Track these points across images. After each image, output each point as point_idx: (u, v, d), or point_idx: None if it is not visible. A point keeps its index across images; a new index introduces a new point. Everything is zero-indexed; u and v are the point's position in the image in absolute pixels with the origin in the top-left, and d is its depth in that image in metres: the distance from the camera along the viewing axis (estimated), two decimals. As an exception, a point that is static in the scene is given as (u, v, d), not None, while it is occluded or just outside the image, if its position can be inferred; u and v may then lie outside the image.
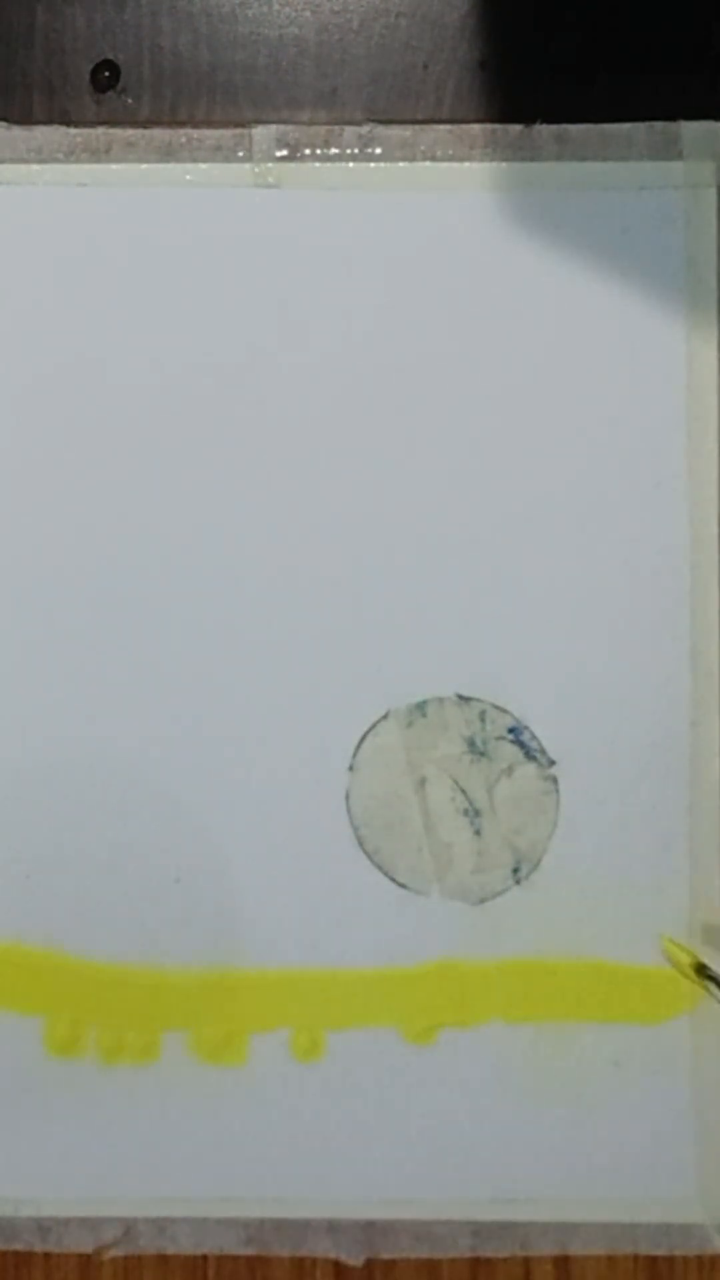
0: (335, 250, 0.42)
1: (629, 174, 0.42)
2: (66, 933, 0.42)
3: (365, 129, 0.42)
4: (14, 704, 0.42)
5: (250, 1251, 0.42)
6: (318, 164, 0.42)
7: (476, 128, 0.42)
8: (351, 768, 0.42)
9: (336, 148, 0.42)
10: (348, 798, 0.42)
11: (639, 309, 0.42)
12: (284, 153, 0.42)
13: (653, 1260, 0.42)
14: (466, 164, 0.42)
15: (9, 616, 0.43)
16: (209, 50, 0.43)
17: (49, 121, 0.43)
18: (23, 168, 0.43)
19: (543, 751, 0.42)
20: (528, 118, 0.42)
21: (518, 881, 0.42)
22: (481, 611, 0.42)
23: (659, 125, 0.42)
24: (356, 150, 0.42)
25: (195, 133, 0.43)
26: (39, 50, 0.43)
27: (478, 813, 0.42)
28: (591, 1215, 0.42)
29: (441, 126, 0.42)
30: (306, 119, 0.43)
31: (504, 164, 0.42)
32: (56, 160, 0.43)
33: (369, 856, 0.42)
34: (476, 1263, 0.42)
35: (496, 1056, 0.42)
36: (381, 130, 0.42)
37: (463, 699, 0.42)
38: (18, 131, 0.43)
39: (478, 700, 0.42)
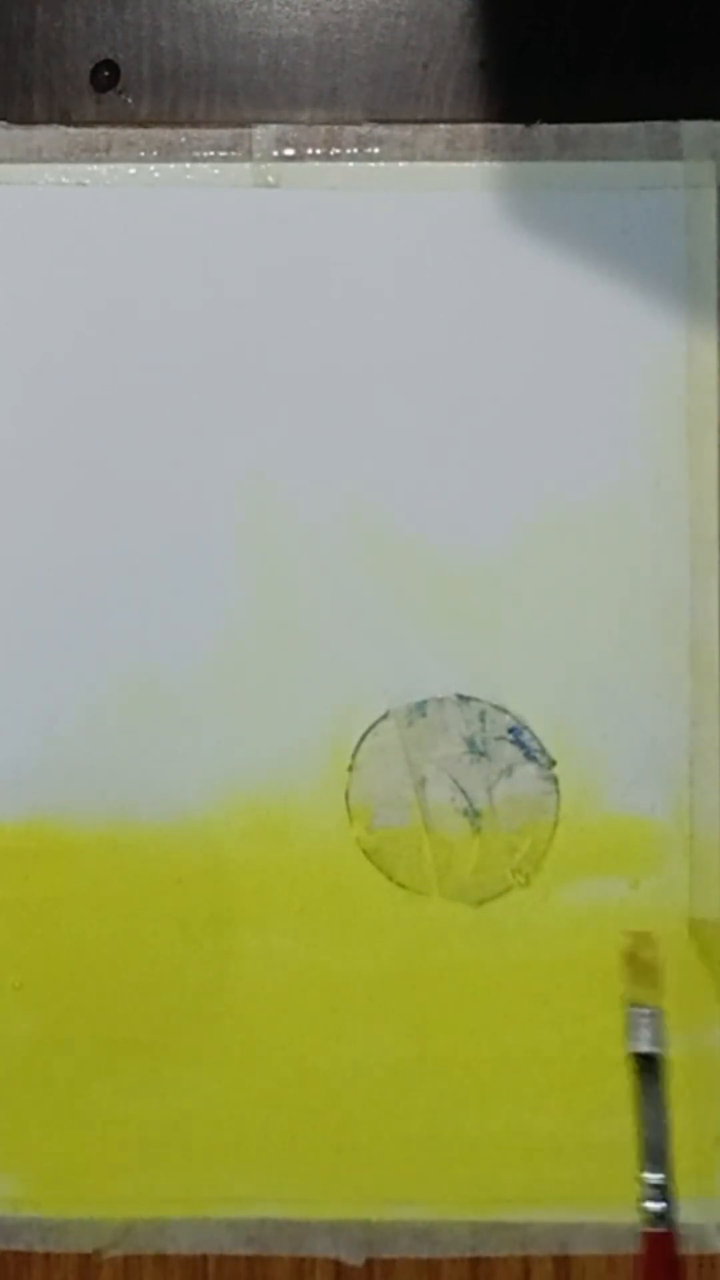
0: (335, 250, 0.42)
1: (629, 174, 0.42)
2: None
3: (365, 129, 0.42)
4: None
5: (250, 1251, 0.42)
6: (318, 164, 0.42)
7: (476, 128, 0.42)
8: (351, 768, 0.42)
9: (336, 147, 0.42)
10: (348, 797, 0.42)
11: (639, 309, 0.42)
12: (284, 152, 0.42)
13: (653, 1260, 0.42)
14: (466, 164, 0.42)
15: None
16: (209, 50, 0.43)
17: (49, 121, 0.43)
18: (23, 168, 0.43)
19: (543, 751, 0.42)
20: (528, 118, 0.42)
21: (518, 882, 0.42)
22: (481, 611, 0.42)
23: (659, 125, 0.42)
24: (356, 150, 0.42)
25: (195, 132, 0.43)
26: (39, 50, 0.43)
27: (478, 813, 0.42)
28: (591, 1215, 0.42)
29: (441, 126, 0.42)
30: (306, 119, 0.43)
31: (504, 164, 0.42)
32: (56, 160, 0.43)
33: (369, 856, 0.42)
34: (476, 1263, 0.42)
35: (497, 1056, 0.42)
36: (381, 130, 0.42)
37: (463, 699, 0.42)
38: (18, 131, 0.43)
39: (478, 700, 0.42)
